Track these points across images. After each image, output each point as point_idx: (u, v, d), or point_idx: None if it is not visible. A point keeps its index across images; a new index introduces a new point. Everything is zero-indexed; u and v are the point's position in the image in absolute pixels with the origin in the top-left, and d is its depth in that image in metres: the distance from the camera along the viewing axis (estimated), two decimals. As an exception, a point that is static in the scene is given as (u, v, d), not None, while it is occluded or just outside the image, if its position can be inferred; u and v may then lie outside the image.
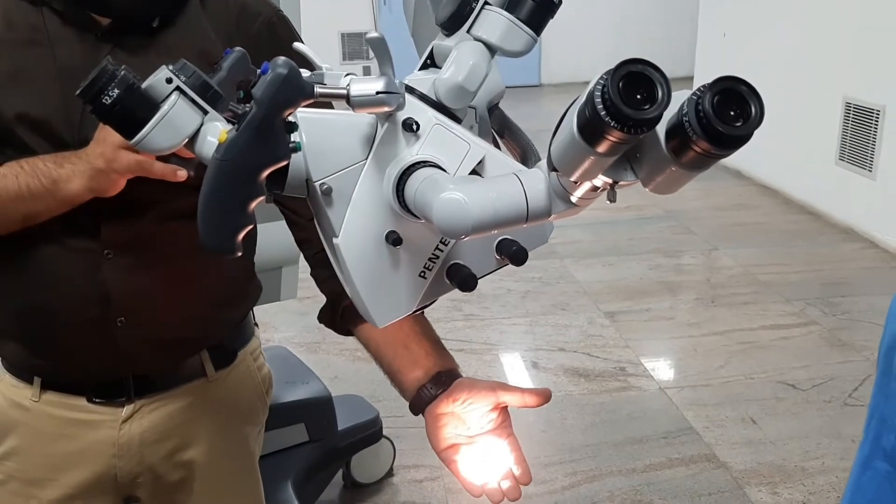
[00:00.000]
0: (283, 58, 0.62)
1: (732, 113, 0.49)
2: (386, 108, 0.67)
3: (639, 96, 0.49)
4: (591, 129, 0.51)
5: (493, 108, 0.87)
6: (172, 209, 1.10)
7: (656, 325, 3.73)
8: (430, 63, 0.83)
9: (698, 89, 0.50)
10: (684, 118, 0.49)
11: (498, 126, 0.87)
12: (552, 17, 0.76)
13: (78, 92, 0.68)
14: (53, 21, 1.07)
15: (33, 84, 1.06)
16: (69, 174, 1.03)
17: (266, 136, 0.62)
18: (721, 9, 6.54)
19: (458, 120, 0.77)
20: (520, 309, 3.90)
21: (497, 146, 0.83)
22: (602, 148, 0.52)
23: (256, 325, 1.40)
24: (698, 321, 3.74)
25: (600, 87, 0.49)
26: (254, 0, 1.18)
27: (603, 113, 0.49)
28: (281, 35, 1.16)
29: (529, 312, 3.87)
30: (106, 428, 1.20)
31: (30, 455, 1.22)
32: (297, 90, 0.62)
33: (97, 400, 1.19)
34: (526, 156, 0.83)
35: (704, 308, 3.88)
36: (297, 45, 0.86)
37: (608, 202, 0.59)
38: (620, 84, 0.49)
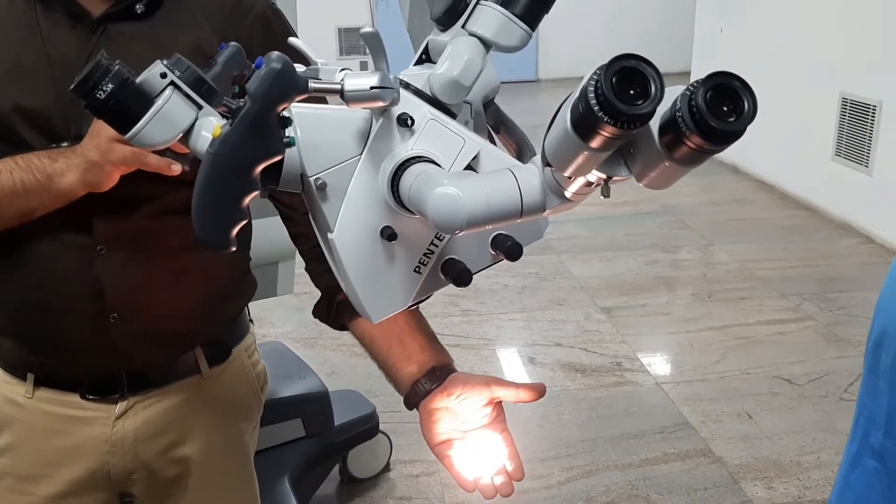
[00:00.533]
0: (276, 52, 0.62)
1: (725, 108, 0.49)
2: (380, 104, 0.67)
3: (632, 91, 0.49)
4: (584, 124, 0.51)
5: (489, 104, 0.87)
6: (166, 204, 1.10)
7: (653, 320, 3.74)
8: (426, 58, 0.83)
9: (691, 84, 0.50)
10: (677, 113, 0.50)
11: (493, 121, 0.87)
12: (547, 11, 0.76)
13: (72, 87, 0.68)
14: (44, 13, 1.08)
15: (28, 77, 1.07)
16: (63, 168, 1.03)
17: (260, 131, 0.62)
18: (718, 4, 6.53)
19: (453, 115, 0.77)
20: (516, 304, 3.90)
21: (493, 141, 0.83)
22: (595, 143, 0.52)
23: (251, 321, 1.40)
24: (695, 316, 3.75)
25: (594, 83, 0.49)
26: None
27: (596, 108, 0.49)
28: (275, 29, 1.16)
29: (526, 308, 3.87)
30: (99, 424, 1.20)
31: (24, 451, 1.22)
32: (291, 85, 0.62)
33: (90, 396, 1.19)
34: (521, 151, 0.83)
35: (701, 303, 3.89)
36: (291, 39, 0.86)
37: (602, 197, 0.59)
38: (614, 79, 0.49)
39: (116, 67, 0.68)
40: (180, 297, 1.19)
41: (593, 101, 0.49)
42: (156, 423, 1.22)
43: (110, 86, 0.67)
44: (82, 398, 1.19)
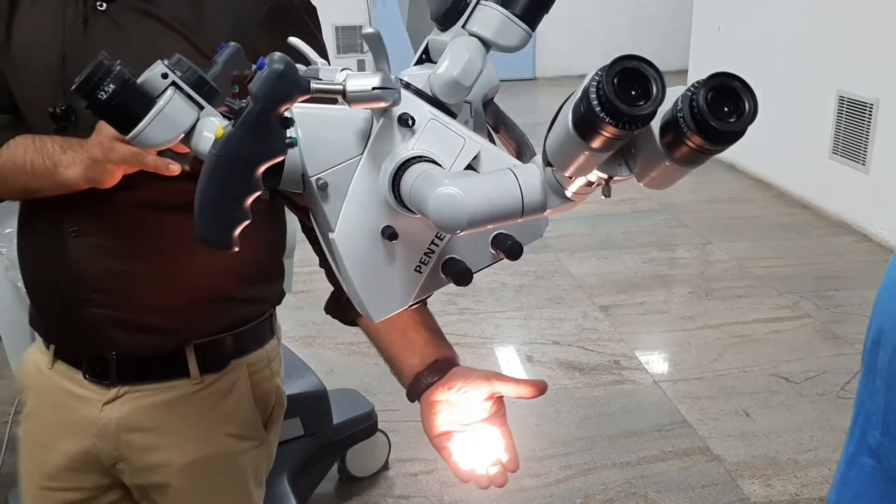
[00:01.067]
0: (279, 53, 0.62)
1: (726, 109, 0.50)
2: (382, 104, 0.67)
3: (633, 92, 0.50)
4: (585, 124, 0.51)
5: (488, 103, 0.87)
6: (142, 197, 1.12)
7: (650, 318, 3.75)
8: (426, 58, 0.83)
9: (692, 85, 0.50)
10: (678, 114, 0.50)
11: (493, 121, 0.87)
12: (547, 11, 0.76)
13: (74, 87, 0.68)
14: None
15: (45, 51, 1.12)
16: (70, 161, 1.06)
17: (262, 132, 0.63)
18: (715, 2, 6.54)
19: (453, 115, 0.77)
20: (514, 303, 3.91)
21: (492, 141, 0.84)
22: (596, 143, 0.52)
23: (277, 338, 1.35)
24: (692, 314, 3.76)
25: (595, 83, 0.50)
26: None
27: (598, 108, 0.49)
28: (291, 20, 1.14)
29: (524, 306, 3.87)
30: (92, 406, 1.22)
31: (40, 419, 1.28)
32: (293, 85, 0.62)
33: (89, 377, 1.23)
34: (521, 150, 0.83)
35: (698, 301, 3.90)
36: (291, 39, 0.86)
37: (603, 197, 0.59)
38: (615, 80, 0.49)
39: (118, 68, 0.68)
40: (160, 292, 1.18)
41: (595, 102, 0.49)
42: (140, 416, 1.22)
43: (112, 86, 0.68)
44: (84, 377, 1.23)
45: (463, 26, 0.77)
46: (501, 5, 0.75)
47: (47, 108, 1.10)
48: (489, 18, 0.75)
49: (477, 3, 0.76)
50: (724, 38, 6.35)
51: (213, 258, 1.16)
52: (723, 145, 0.50)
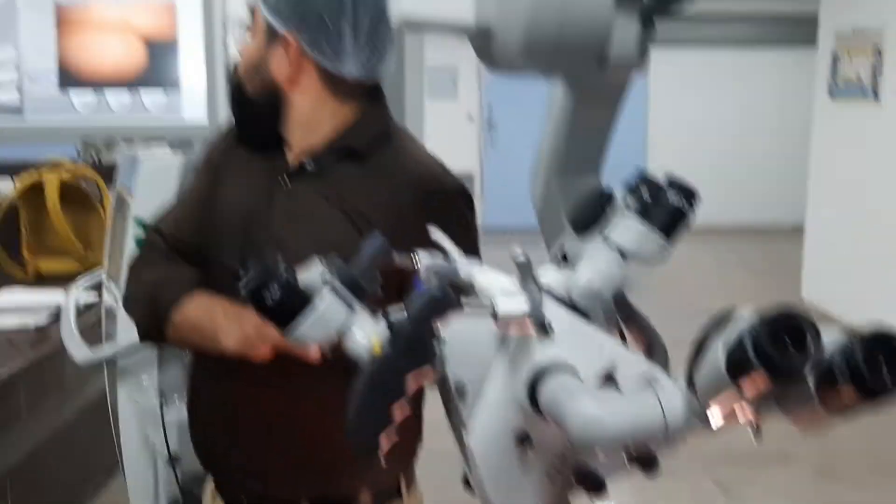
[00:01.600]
0: (435, 277, 0.66)
1: (883, 364, 0.49)
2: (528, 332, 0.69)
3: (788, 344, 0.50)
4: (738, 367, 0.52)
5: (619, 296, 0.88)
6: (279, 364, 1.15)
7: (771, 498, 3.52)
8: (562, 258, 0.86)
9: (848, 335, 0.51)
10: (834, 365, 0.50)
11: (623, 315, 0.88)
12: (687, 227, 0.77)
13: (242, 287, 0.74)
14: (251, 159, 1.26)
15: (229, 216, 1.25)
16: (229, 331, 1.12)
17: (414, 347, 0.66)
18: (832, 157, 6.36)
19: (588, 317, 0.79)
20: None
21: (622, 335, 0.84)
22: (747, 387, 0.52)
23: None
24: (816, 496, 3.51)
25: (752, 331, 0.50)
26: (442, 174, 1.25)
27: (752, 356, 0.50)
28: (446, 210, 1.20)
29: (633, 475, 3.71)
30: None
31: None
32: (447, 307, 0.66)
33: None
34: (651, 346, 0.84)
35: (824, 482, 3.65)
36: (432, 229, 0.89)
37: (754, 442, 0.58)
38: (772, 331, 0.50)
39: (281, 271, 0.74)
40: (279, 450, 1.23)
41: (750, 350, 0.50)
42: None
43: (275, 287, 0.73)
44: None
45: (601, 234, 0.79)
46: (641, 216, 0.78)
47: (230, 266, 1.16)
48: (628, 230, 0.77)
49: (616, 213, 0.79)
50: (841, 193, 6.14)
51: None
52: (879, 402, 0.50)
